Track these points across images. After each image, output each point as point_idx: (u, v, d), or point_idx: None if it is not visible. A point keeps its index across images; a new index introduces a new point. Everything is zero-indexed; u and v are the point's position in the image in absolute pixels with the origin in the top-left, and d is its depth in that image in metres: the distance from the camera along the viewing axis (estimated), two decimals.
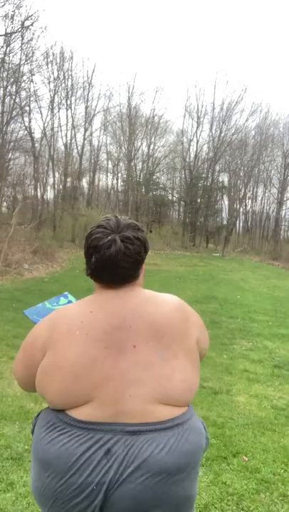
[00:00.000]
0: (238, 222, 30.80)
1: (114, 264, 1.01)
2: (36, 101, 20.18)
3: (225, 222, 30.64)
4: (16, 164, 21.99)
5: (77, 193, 25.23)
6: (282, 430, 3.09)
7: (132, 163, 27.92)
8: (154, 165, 28.94)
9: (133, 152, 27.56)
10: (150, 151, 28.50)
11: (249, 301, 10.23)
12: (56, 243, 17.20)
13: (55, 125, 22.20)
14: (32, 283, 10.54)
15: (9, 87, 16.39)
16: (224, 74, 49.03)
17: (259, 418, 3.28)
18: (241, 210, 31.29)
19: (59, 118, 25.68)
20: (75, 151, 24.70)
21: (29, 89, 18.76)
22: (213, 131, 27.60)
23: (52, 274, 12.64)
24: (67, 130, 23.28)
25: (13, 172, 21.08)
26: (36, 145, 20.47)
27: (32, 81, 18.37)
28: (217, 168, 29.32)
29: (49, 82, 20.73)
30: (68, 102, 22.74)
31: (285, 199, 30.60)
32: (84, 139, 24.60)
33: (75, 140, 24.37)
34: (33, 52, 16.17)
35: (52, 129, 21.37)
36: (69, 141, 23.49)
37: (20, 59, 16.01)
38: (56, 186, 23.33)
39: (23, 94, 18.41)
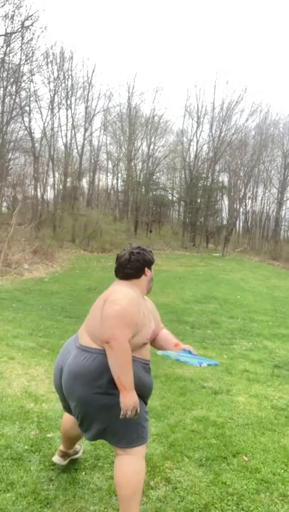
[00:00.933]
0: (238, 222, 30.79)
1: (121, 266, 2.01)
2: (36, 101, 20.21)
3: (225, 222, 30.62)
4: (16, 164, 22.06)
5: (77, 193, 25.20)
6: (282, 430, 3.09)
7: (132, 163, 27.91)
8: (154, 165, 28.91)
9: (133, 152, 27.57)
10: (150, 151, 28.51)
11: (249, 301, 10.23)
12: (56, 243, 17.20)
13: (55, 125, 22.23)
14: (32, 283, 10.54)
15: (9, 87, 16.43)
16: (224, 74, 49.13)
17: (259, 418, 3.28)
18: (241, 210, 31.30)
19: (59, 118, 25.74)
20: (75, 151, 24.72)
21: (29, 89, 18.81)
22: (213, 131, 27.59)
23: (52, 274, 12.65)
24: (67, 130, 23.30)
25: (13, 172, 21.12)
26: (36, 145, 20.48)
27: (32, 81, 18.42)
28: (217, 168, 29.28)
29: (49, 82, 20.75)
30: (68, 102, 22.74)
31: (285, 199, 30.59)
32: (84, 139, 24.59)
33: (75, 140, 24.40)
34: (33, 52, 16.22)
35: (52, 129, 21.37)
36: (69, 141, 23.52)
37: (20, 59, 16.05)
38: (56, 186, 23.31)
39: (23, 94, 18.46)
